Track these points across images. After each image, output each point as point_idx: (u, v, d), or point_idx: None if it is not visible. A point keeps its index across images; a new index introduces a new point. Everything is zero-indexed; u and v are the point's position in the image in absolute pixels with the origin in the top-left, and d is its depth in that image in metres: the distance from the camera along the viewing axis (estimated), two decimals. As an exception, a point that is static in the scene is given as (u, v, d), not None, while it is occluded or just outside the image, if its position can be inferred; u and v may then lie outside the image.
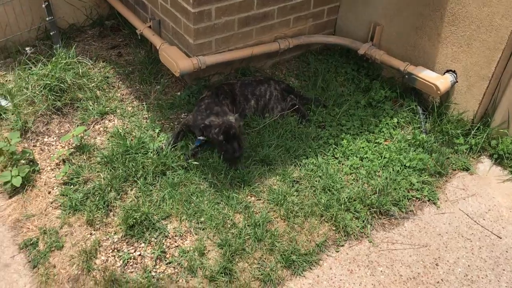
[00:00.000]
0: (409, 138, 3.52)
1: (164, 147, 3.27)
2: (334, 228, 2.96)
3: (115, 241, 2.80)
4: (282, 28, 4.04)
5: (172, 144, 3.30)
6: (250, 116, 3.59)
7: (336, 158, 3.39)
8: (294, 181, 3.19)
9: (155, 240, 2.81)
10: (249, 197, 3.09)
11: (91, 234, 2.83)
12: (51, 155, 3.30)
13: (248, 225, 2.89)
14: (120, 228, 2.84)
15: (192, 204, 3.00)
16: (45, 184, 3.11)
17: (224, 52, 3.79)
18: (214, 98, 3.44)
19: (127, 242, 2.80)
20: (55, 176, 3.15)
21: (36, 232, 2.83)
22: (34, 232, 2.84)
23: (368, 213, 3.04)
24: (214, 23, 3.60)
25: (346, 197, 3.07)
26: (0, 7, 3.94)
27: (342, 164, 3.35)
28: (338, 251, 2.87)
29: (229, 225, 2.89)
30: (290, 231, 2.90)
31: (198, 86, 3.80)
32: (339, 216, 2.98)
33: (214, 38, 3.69)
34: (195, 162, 3.19)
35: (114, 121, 3.59)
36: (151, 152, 3.26)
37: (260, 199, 3.08)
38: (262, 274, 2.67)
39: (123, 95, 3.83)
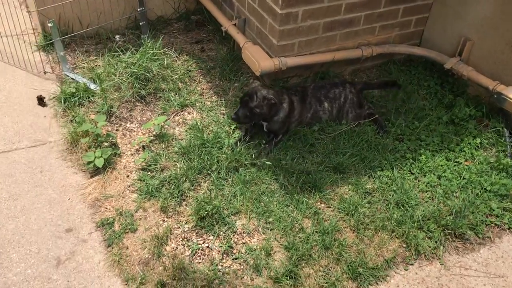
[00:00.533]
0: (492, 161, 3.34)
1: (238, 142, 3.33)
2: (404, 246, 2.87)
3: (185, 230, 2.88)
4: (367, 35, 3.97)
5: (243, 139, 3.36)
6: (325, 121, 3.56)
7: (413, 174, 3.28)
8: (367, 192, 3.13)
9: (224, 234, 2.86)
10: (319, 203, 3.07)
11: (163, 220, 2.93)
12: (132, 141, 3.44)
13: (316, 232, 2.87)
14: (192, 218, 2.91)
15: (262, 203, 3.02)
16: (124, 168, 3.25)
17: (306, 55, 3.78)
18: (279, 93, 3.43)
19: (196, 233, 2.87)
20: (134, 161, 3.29)
21: (113, 213, 2.96)
22: (111, 212, 2.97)
23: (442, 234, 2.93)
24: (300, 25, 3.60)
25: (420, 215, 2.97)
26: (98, -5, 4.17)
27: (419, 181, 3.24)
28: (407, 270, 2.78)
29: (297, 229, 2.89)
30: (359, 243, 2.84)
31: (276, 87, 3.81)
32: (411, 233, 2.89)
33: (297, 40, 3.69)
34: (268, 162, 3.21)
35: (193, 113, 3.69)
36: (226, 147, 3.31)
37: (330, 207, 3.05)
38: (327, 283, 2.64)
39: (203, 89, 3.93)
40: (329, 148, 3.36)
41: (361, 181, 3.18)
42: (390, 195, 3.11)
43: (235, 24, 4.05)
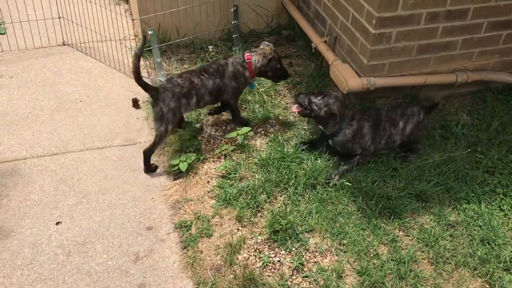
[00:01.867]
0: None
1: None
2: (487, 286, 2.69)
3: (258, 241, 2.91)
4: (463, 60, 3.79)
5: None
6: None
7: (502, 210, 3.07)
8: (450, 224, 2.97)
9: (296, 250, 2.85)
10: (397, 230, 2.96)
11: (238, 229, 2.98)
12: (215, 148, 3.55)
13: (392, 259, 2.77)
14: (265, 231, 2.94)
15: (337, 224, 2.97)
16: (205, 174, 3.36)
17: (395, 77, 3.69)
18: (349, 113, 3.35)
19: (269, 246, 2.89)
20: (215, 168, 3.38)
21: (191, 216, 3.07)
22: (189, 216, 3.08)
23: (531, 279, 2.70)
24: (392, 46, 3.52)
25: (508, 256, 2.76)
26: (197, 6, 4.36)
27: (508, 218, 3.02)
28: (488, 313, 2.60)
29: (371, 254, 2.80)
30: (437, 276, 2.70)
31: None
32: (495, 274, 2.70)
33: (388, 61, 3.61)
34: (347, 183, 3.16)
35: (275, 127, 3.73)
36: (305, 164, 3.31)
37: (409, 236, 2.93)
38: (398, 314, 2.54)
39: (287, 103, 3.96)
40: (413, 175, 3.24)
41: (444, 212, 3.02)
42: (475, 230, 2.93)
43: (325, 41, 4.06)
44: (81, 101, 3.95)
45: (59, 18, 4.62)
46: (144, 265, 2.79)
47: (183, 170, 3.30)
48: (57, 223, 2.98)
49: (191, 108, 3.42)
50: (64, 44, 4.63)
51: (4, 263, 2.73)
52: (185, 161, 3.34)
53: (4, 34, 4.68)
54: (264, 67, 3.51)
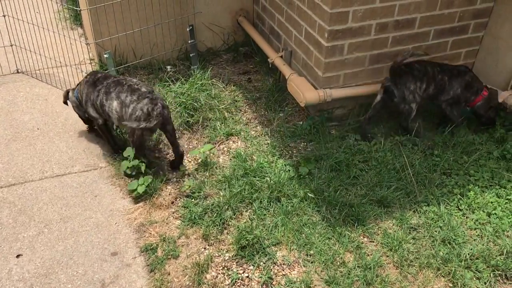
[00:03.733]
0: (547, 199, 3.18)
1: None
2: (451, 285, 2.76)
3: (226, 259, 2.90)
4: (414, 67, 3.93)
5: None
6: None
7: (460, 210, 3.17)
8: (412, 228, 3.05)
9: (264, 264, 2.85)
10: (361, 237, 3.01)
11: (205, 248, 2.96)
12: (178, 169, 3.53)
13: (358, 266, 2.81)
14: (232, 247, 2.93)
15: (303, 235, 3.00)
16: (169, 194, 3.33)
17: (351, 87, 3.79)
18: None
19: (237, 262, 2.88)
20: (179, 188, 3.37)
21: (157, 238, 3.03)
22: (154, 238, 3.04)
23: (491, 275, 2.79)
24: (345, 58, 3.63)
25: (468, 254, 2.85)
26: (152, 28, 4.37)
27: (467, 217, 3.12)
28: (453, 311, 2.67)
29: (338, 263, 2.84)
30: (402, 280, 2.76)
31: (321, 118, 3.83)
32: (458, 273, 2.77)
33: (343, 72, 3.71)
34: (310, 194, 3.21)
35: (237, 142, 3.75)
36: (268, 177, 3.34)
37: (373, 241, 2.98)
38: (368, 320, 2.57)
39: (248, 119, 4.00)
40: (373, 181, 3.32)
41: (406, 216, 3.10)
42: (436, 231, 3.01)
43: (281, 56, 4.13)
44: (38, 128, 3.87)
45: (11, 45, 4.54)
46: (110, 292, 2.73)
47: (141, 193, 3.26)
48: (18, 256, 2.89)
49: None
50: (18, 72, 4.54)
51: (-38, 302, 2.63)
52: (143, 184, 3.29)
53: (-46, 64, 4.55)
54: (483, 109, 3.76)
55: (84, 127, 3.89)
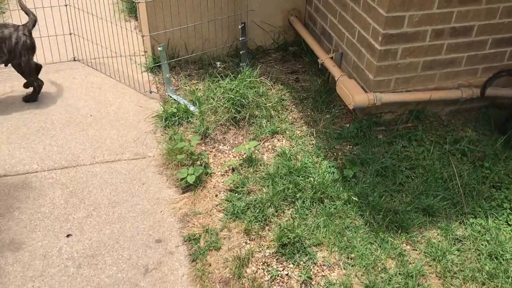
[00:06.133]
0: None
1: None
2: (495, 301, 2.69)
3: (266, 255, 2.93)
4: (468, 76, 3.85)
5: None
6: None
7: (510, 225, 3.08)
8: (457, 239, 2.99)
9: (304, 264, 2.87)
10: (404, 244, 2.98)
11: (246, 243, 3.00)
12: (223, 163, 3.59)
13: (399, 273, 2.78)
14: (273, 244, 2.96)
15: (345, 237, 2.99)
16: (213, 187, 3.39)
17: (401, 92, 3.74)
18: None
19: (277, 259, 2.91)
20: (223, 182, 3.42)
21: (200, 229, 3.10)
22: (197, 229, 3.11)
23: (539, 294, 2.71)
24: (398, 62, 3.58)
25: (516, 271, 2.77)
26: (206, 23, 4.45)
27: (516, 233, 3.04)
28: (496, 328, 2.60)
29: (379, 268, 2.82)
30: (445, 291, 2.72)
31: (368, 122, 3.80)
32: (503, 289, 2.70)
33: (394, 77, 3.67)
34: (354, 198, 3.19)
35: (282, 141, 3.78)
36: (312, 177, 3.35)
37: (416, 250, 2.94)
38: (407, 328, 2.54)
39: (294, 118, 4.01)
40: (420, 189, 3.27)
41: (451, 227, 3.04)
42: (482, 245, 2.94)
43: (331, 58, 4.12)
44: (91, 115, 4.02)
45: (70, 34, 4.72)
46: (153, 278, 2.81)
47: (191, 183, 3.34)
48: (68, 236, 3.02)
49: None
50: (74, 60, 4.72)
51: (16, 275, 2.76)
52: (193, 174, 3.38)
53: (16, 50, 4.77)
54: None
55: (135, 116, 4.01)
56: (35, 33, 4.66)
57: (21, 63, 3.98)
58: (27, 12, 4.08)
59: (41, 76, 4.23)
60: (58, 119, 3.95)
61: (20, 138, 3.74)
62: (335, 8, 4.10)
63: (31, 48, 4.03)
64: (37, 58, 4.64)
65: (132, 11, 5.53)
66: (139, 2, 4.23)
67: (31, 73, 4.06)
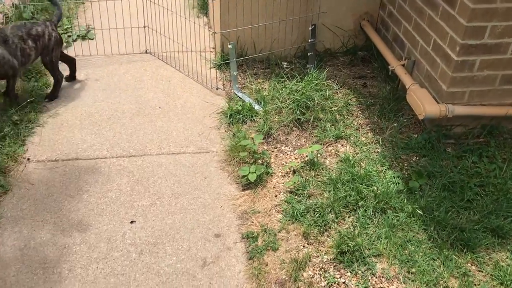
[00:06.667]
0: None
1: None
2: None
3: (324, 260, 2.90)
4: (551, 93, 3.63)
5: None
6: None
7: None
8: (528, 264, 2.83)
9: (362, 273, 2.81)
10: (469, 264, 2.85)
11: (304, 246, 2.98)
12: (284, 163, 3.59)
13: (463, 294, 2.67)
14: (332, 250, 2.92)
15: (407, 251, 2.91)
16: (273, 187, 3.40)
17: (475, 106, 3.58)
18: None
19: (334, 266, 2.87)
20: (283, 183, 3.42)
21: (258, 228, 3.11)
22: (256, 227, 3.12)
23: None
24: (475, 74, 3.44)
25: None
26: (276, 23, 4.46)
27: None
28: None
29: (441, 287, 2.71)
30: (511, 318, 2.58)
31: (438, 134, 3.67)
32: None
33: (469, 89, 3.52)
34: (419, 211, 3.09)
35: (346, 147, 3.72)
36: (375, 186, 3.28)
37: (482, 271, 2.81)
38: None
39: (360, 124, 3.94)
40: (489, 208, 3.12)
41: (522, 251, 2.89)
42: (556, 273, 2.77)
43: (403, 65, 4.02)
44: (159, 107, 4.14)
45: (144, 27, 4.88)
46: (210, 271, 2.85)
47: (252, 181, 3.36)
48: (132, 222, 3.12)
49: None
50: (146, 52, 4.88)
51: (82, 255, 2.89)
52: (255, 172, 3.40)
53: (93, 39, 5.00)
54: None
55: (201, 111, 4.09)
56: (111, 24, 4.87)
57: (52, 59, 4.05)
58: (55, 3, 4.14)
59: (115, 66, 4.41)
60: (128, 109, 4.10)
61: (92, 124, 3.91)
62: (410, 15, 3.99)
63: (60, 43, 4.15)
64: (112, 48, 4.84)
65: (204, 8, 5.64)
66: (214, 0, 4.30)
67: (58, 67, 4.16)
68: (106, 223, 3.09)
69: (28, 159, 3.54)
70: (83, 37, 5.02)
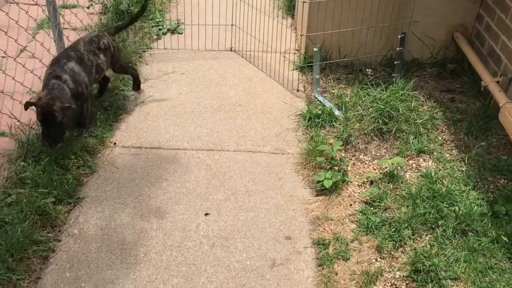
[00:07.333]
0: None
1: None
2: None
3: (396, 277, 2.80)
4: None
5: None
6: None
7: None
8: None
9: (436, 296, 2.69)
10: (558, 302, 2.64)
11: (376, 259, 2.90)
12: (362, 173, 3.51)
13: (548, 333, 2.47)
14: (406, 268, 2.82)
15: (487, 278, 2.74)
16: (349, 196, 3.33)
17: None
18: None
19: (407, 284, 2.76)
20: (359, 193, 3.34)
21: (330, 235, 3.06)
22: (328, 234, 3.08)
23: None
24: None
25: None
26: (364, 30, 4.38)
27: None
28: None
29: (524, 321, 2.54)
30: None
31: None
32: None
33: None
34: (504, 238, 2.90)
35: (428, 162, 3.57)
36: (457, 206, 3.12)
37: None
38: None
39: (444, 140, 3.77)
40: None
41: None
42: None
43: (497, 81, 3.79)
44: (240, 105, 4.20)
45: (232, 25, 4.97)
46: (279, 273, 2.85)
47: (327, 187, 3.32)
48: (206, 214, 3.19)
49: None
50: (231, 50, 4.97)
51: (158, 241, 2.99)
52: (330, 178, 3.35)
53: (181, 34, 5.17)
54: None
55: (279, 112, 4.10)
56: (201, 20, 5.02)
57: (122, 63, 4.07)
58: None
59: (200, 61, 4.53)
60: (210, 104, 4.19)
61: (176, 116, 4.04)
62: (510, 29, 3.75)
63: (120, 49, 4.16)
64: (199, 44, 4.97)
65: (290, 9, 5.65)
66: (304, 2, 4.29)
67: (128, 66, 4.22)
68: (182, 213, 3.19)
69: (115, 143, 3.73)
70: (173, 31, 5.21)
